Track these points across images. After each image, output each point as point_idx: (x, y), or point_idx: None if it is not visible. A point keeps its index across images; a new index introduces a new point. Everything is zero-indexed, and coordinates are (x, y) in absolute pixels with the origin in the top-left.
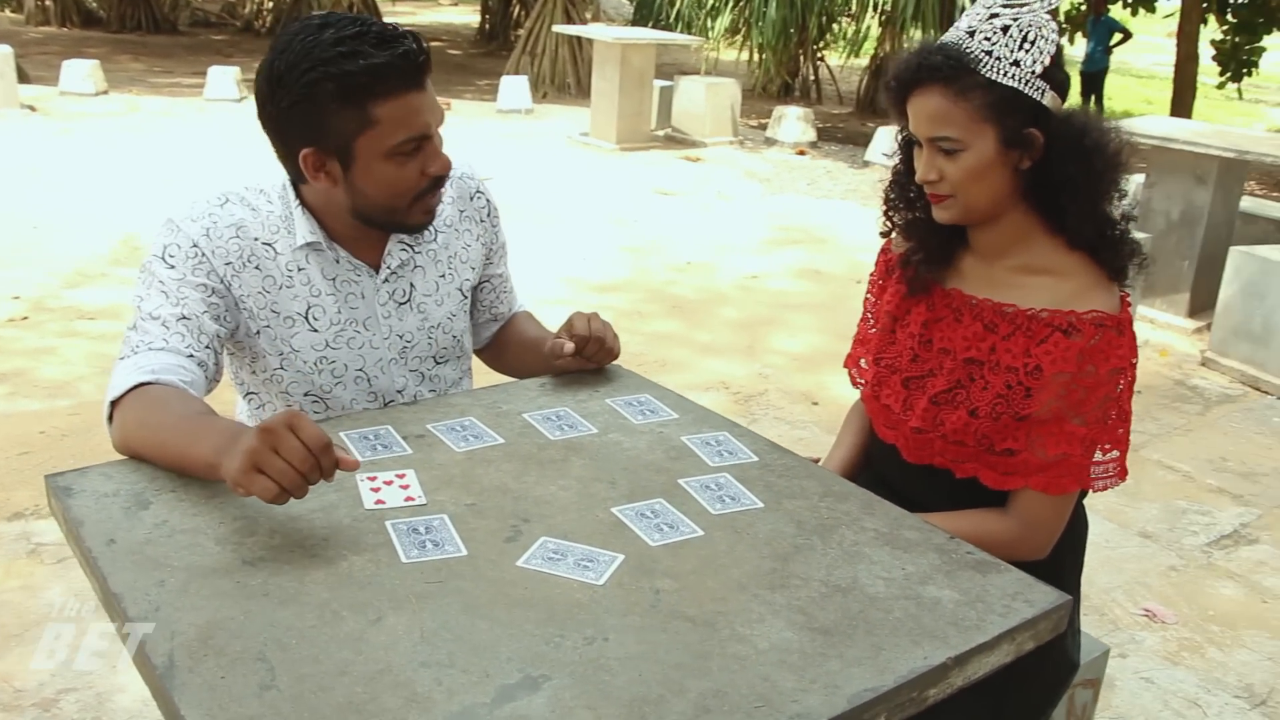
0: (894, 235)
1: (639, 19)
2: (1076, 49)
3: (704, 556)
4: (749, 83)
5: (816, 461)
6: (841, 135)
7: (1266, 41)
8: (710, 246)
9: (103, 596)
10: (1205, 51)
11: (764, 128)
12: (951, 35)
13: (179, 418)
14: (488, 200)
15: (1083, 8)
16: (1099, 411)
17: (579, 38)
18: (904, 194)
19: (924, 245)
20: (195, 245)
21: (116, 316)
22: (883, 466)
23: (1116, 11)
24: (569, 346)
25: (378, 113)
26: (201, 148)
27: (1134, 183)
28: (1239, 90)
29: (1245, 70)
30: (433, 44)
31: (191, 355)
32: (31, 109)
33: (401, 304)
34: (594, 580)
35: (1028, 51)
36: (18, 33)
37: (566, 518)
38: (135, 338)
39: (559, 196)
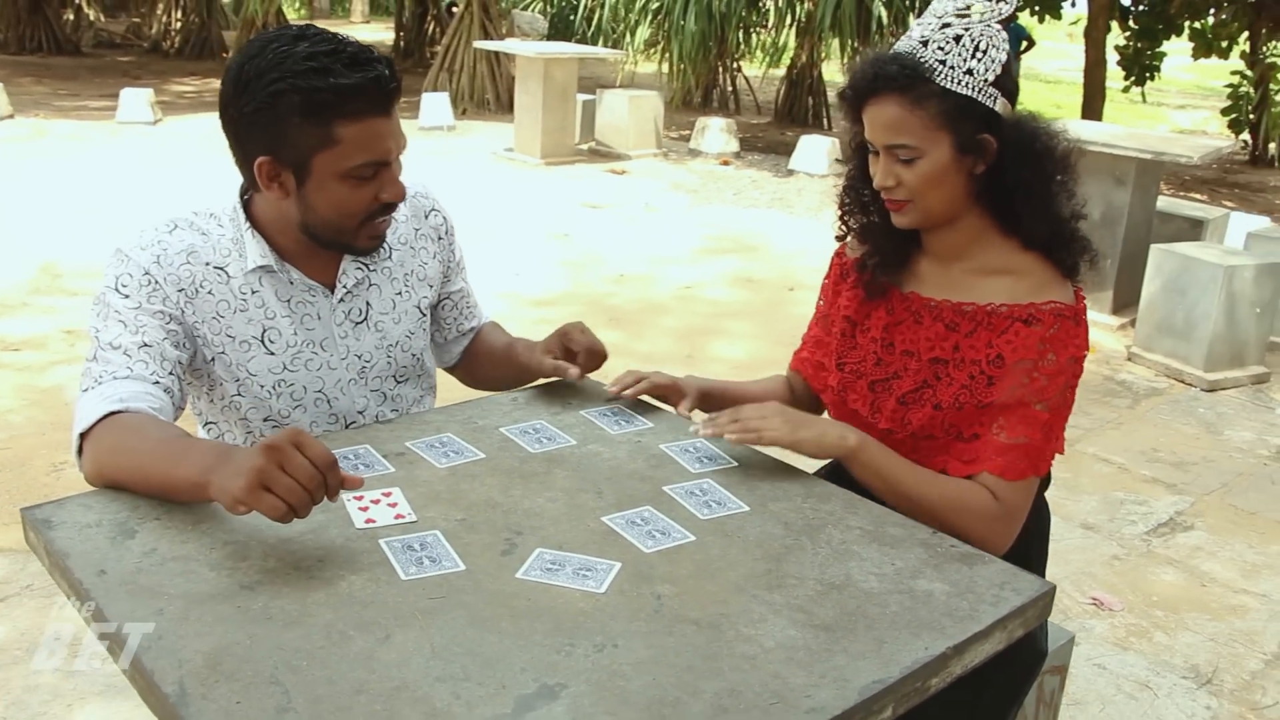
0: (849, 240)
1: (554, 34)
2: None
3: (699, 561)
4: (668, 95)
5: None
6: (762, 145)
7: (1166, 47)
8: (643, 258)
9: (99, 628)
10: (1110, 57)
11: (686, 139)
12: (905, 45)
13: (157, 441)
14: (444, 218)
15: None
16: (1059, 398)
17: (497, 54)
18: (858, 199)
19: (879, 249)
20: (147, 273)
21: (42, 347)
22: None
23: (1023, 18)
24: (574, 372)
25: (340, 133)
26: (117, 172)
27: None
28: (1143, 94)
29: (1148, 75)
30: None
31: (157, 382)
32: None
33: (358, 323)
34: (595, 589)
35: (980, 60)
36: None
37: (559, 529)
38: (97, 369)
39: (489, 212)
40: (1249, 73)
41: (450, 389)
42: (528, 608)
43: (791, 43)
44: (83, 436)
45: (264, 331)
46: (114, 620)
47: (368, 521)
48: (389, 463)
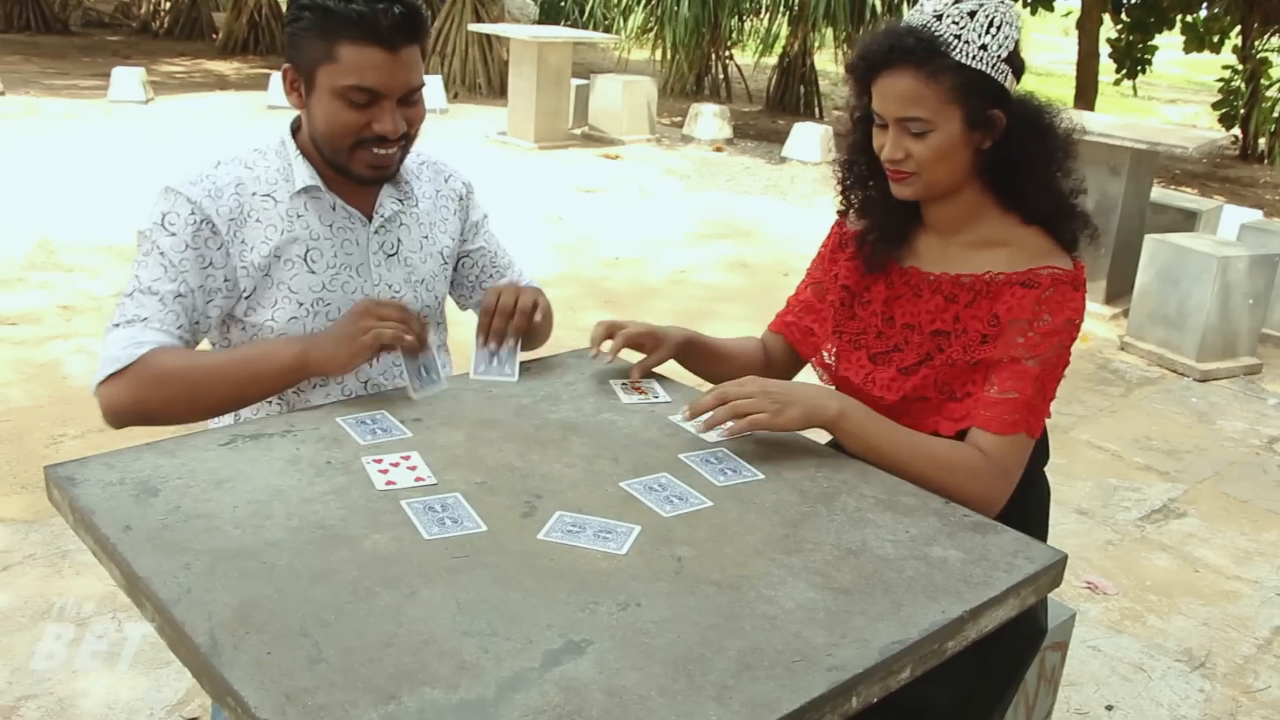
0: (847, 214)
1: (544, 19)
2: None
3: (717, 525)
4: (660, 81)
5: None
6: (755, 132)
7: (1158, 40)
8: (637, 242)
9: (126, 582)
10: (1101, 50)
11: (679, 125)
12: (918, 19)
13: (223, 356)
14: (463, 182)
15: None
16: (1052, 356)
17: (489, 38)
18: (858, 171)
19: (879, 224)
20: (197, 207)
21: (38, 322)
22: None
23: (1016, 10)
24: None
25: (340, 52)
26: (111, 150)
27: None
28: (1134, 87)
29: (1140, 68)
30: None
31: (180, 337)
32: None
33: (390, 255)
34: (616, 550)
35: (994, 36)
36: None
37: (577, 493)
38: (131, 308)
39: (483, 195)
40: (1240, 67)
41: (463, 354)
42: (550, 568)
43: (784, 31)
44: (110, 377)
45: (307, 251)
46: (142, 574)
47: (388, 484)
48: (406, 428)
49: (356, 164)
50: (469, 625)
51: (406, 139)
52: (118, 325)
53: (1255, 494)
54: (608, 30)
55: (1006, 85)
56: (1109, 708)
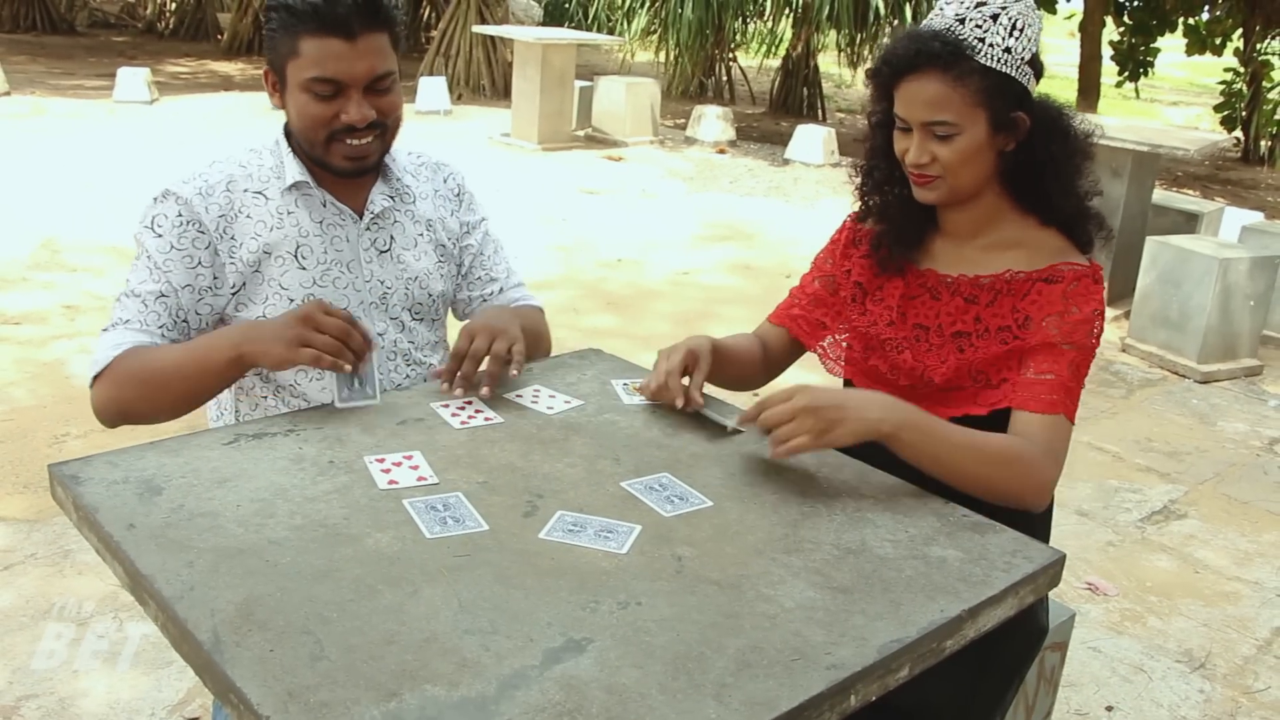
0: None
1: (549, 21)
2: None
3: (717, 525)
4: (664, 83)
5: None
6: (758, 135)
7: (1161, 43)
8: (639, 243)
9: (130, 580)
10: (1104, 52)
11: (682, 127)
12: (940, 22)
13: (178, 350)
14: (459, 182)
15: None
16: (1085, 340)
17: (494, 40)
18: (877, 176)
19: (896, 228)
20: (186, 206)
21: (42, 321)
22: None
23: None
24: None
25: (302, 46)
26: (116, 150)
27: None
28: (1136, 90)
29: (1142, 70)
30: None
31: (165, 337)
32: None
33: (382, 252)
34: (617, 549)
35: (1017, 39)
36: None
37: (578, 493)
38: (118, 311)
39: (486, 196)
40: (1242, 70)
41: None
42: (551, 566)
43: (788, 33)
44: (96, 377)
45: (298, 247)
46: (146, 572)
47: (390, 483)
48: (408, 428)
49: (333, 157)
50: (470, 623)
51: (382, 129)
52: (106, 330)
53: (1256, 495)
54: (611, 32)
55: (1029, 87)
56: (1109, 708)
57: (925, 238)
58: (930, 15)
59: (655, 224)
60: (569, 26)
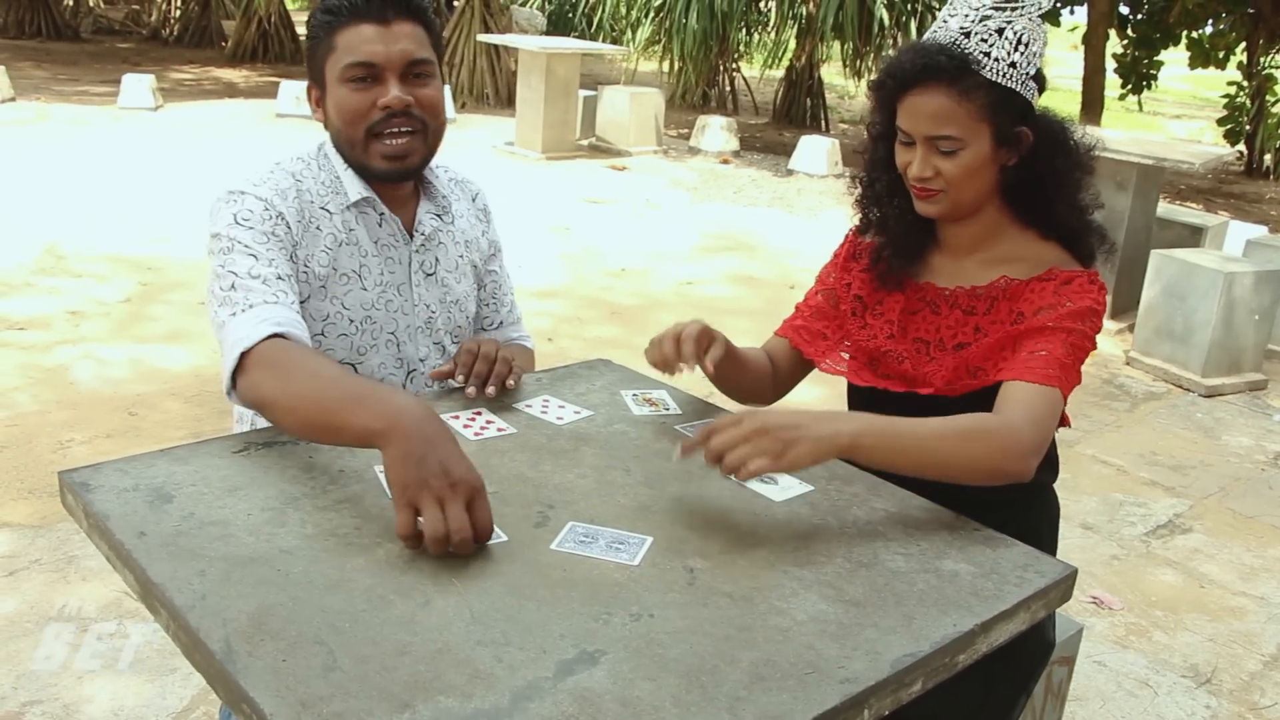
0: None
1: (552, 30)
2: None
3: (729, 538)
4: (668, 93)
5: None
6: (761, 145)
7: (1164, 56)
8: (644, 253)
9: (140, 589)
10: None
11: (685, 137)
12: (944, 36)
13: (336, 376)
14: (485, 203)
15: None
16: (1079, 326)
17: (497, 48)
18: (876, 189)
19: (895, 241)
20: (268, 205)
21: (46, 326)
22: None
23: None
24: (468, 390)
25: (337, 39)
26: (120, 156)
27: None
28: (1139, 103)
29: (1145, 83)
30: None
31: (297, 313)
32: None
33: (429, 275)
34: (628, 561)
35: (1022, 53)
36: None
37: (590, 503)
38: (239, 296)
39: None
40: (1246, 83)
41: None
42: (563, 578)
43: (792, 44)
44: (243, 355)
45: (360, 267)
46: (157, 581)
47: None
48: None
49: (373, 156)
50: (483, 634)
51: (423, 127)
52: (235, 314)
53: (1260, 510)
54: (616, 42)
55: (1033, 101)
56: None
57: (925, 252)
58: (933, 28)
59: (659, 234)
60: (573, 36)
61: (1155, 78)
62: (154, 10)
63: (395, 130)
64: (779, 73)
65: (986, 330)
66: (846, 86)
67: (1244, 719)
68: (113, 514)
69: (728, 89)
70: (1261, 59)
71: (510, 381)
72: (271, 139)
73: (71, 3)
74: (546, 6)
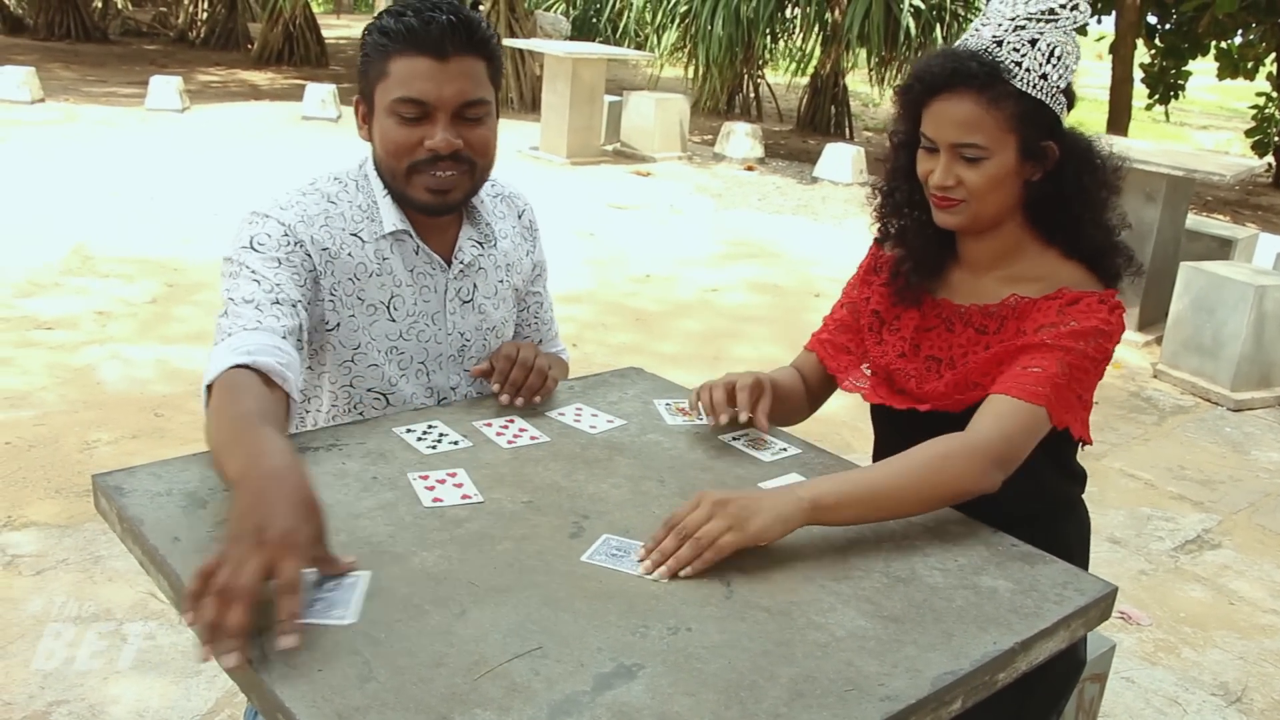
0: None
1: (576, 35)
2: None
3: (766, 551)
4: (693, 99)
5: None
6: (785, 152)
7: (1192, 66)
8: (668, 260)
9: (175, 595)
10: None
11: (710, 143)
12: (975, 43)
13: (232, 421)
14: (533, 219)
15: None
16: (1078, 347)
17: (521, 53)
18: (897, 198)
19: (915, 254)
20: (290, 230)
21: (74, 326)
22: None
23: None
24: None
25: (391, 66)
26: (147, 158)
27: None
28: (1166, 113)
29: (1173, 94)
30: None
31: (285, 336)
32: None
33: (465, 302)
34: (656, 576)
35: (1054, 66)
36: None
37: (624, 514)
38: (227, 323)
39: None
40: (1274, 94)
41: None
42: (600, 590)
43: (817, 51)
44: (209, 388)
45: (390, 298)
46: None
47: (435, 500)
48: (454, 437)
49: (414, 189)
50: (519, 646)
51: (470, 166)
52: (217, 345)
53: None
54: (640, 47)
55: (1061, 116)
56: None
57: (944, 268)
58: (965, 35)
59: (683, 240)
60: (598, 41)
61: (1183, 88)
62: (181, 13)
63: (439, 173)
64: (804, 80)
65: (997, 349)
66: (872, 94)
67: None
68: (147, 518)
69: (752, 95)
70: None
71: (538, 398)
72: (297, 141)
73: (100, 5)
74: (571, 12)
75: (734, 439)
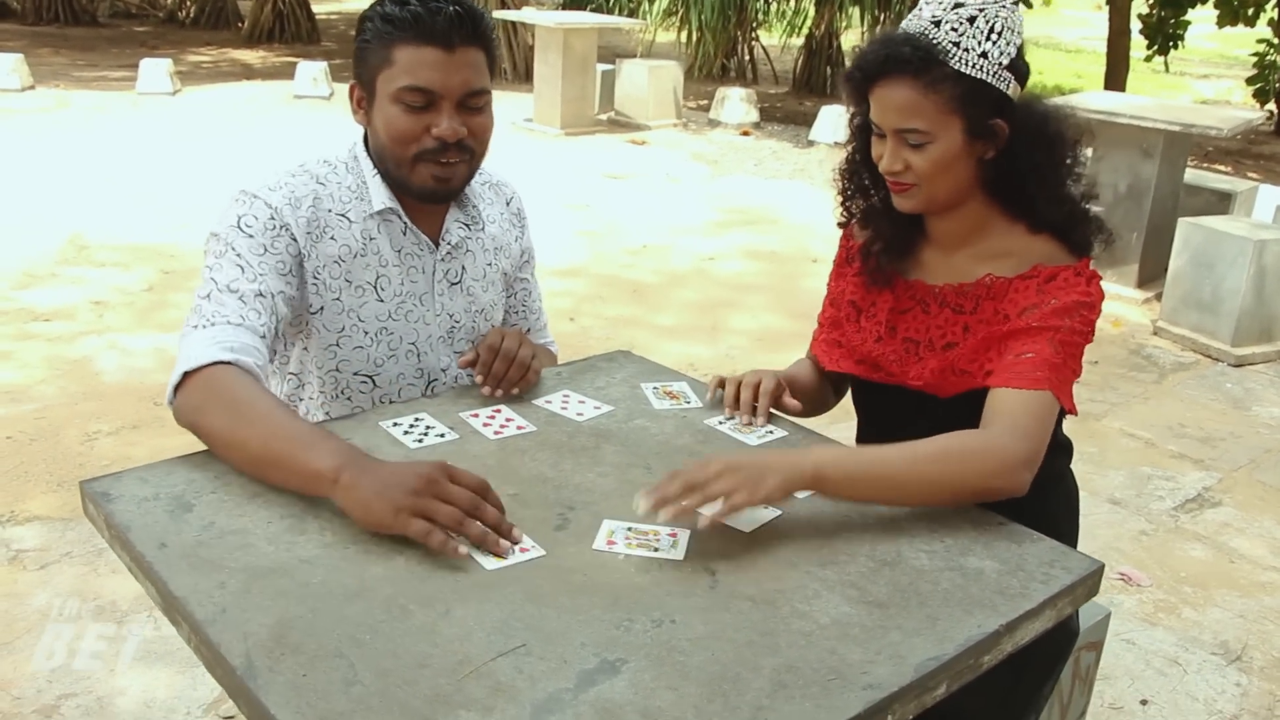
0: (853, 224)
1: (569, 4)
2: None
3: (751, 537)
4: (686, 64)
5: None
6: (781, 115)
7: (1191, 14)
8: (664, 229)
9: (162, 601)
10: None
11: (705, 109)
12: (915, 25)
13: (283, 416)
14: (520, 206)
15: None
16: (1066, 324)
17: (514, 25)
18: (860, 182)
19: (882, 235)
20: (276, 212)
21: (71, 317)
22: (872, 412)
23: None
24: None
25: (395, 54)
26: (139, 143)
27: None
28: (1165, 64)
29: (1172, 43)
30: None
31: (264, 336)
32: None
33: (453, 284)
34: (677, 556)
35: (994, 43)
36: None
37: (610, 504)
38: (209, 308)
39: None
40: (1275, 41)
41: None
42: (584, 583)
43: (811, 12)
44: (186, 374)
45: (377, 278)
46: (179, 594)
47: None
48: (440, 430)
49: (418, 177)
50: (503, 644)
51: (471, 154)
52: (196, 327)
53: None
54: (634, 14)
55: (1009, 93)
56: (1144, 702)
57: (915, 247)
58: (909, 16)
59: (680, 209)
60: (591, 9)
61: (1182, 37)
62: None
63: (445, 160)
64: (799, 41)
65: (974, 329)
66: None
67: (1276, 696)
68: (134, 525)
69: (748, 59)
70: None
71: (515, 390)
72: (289, 121)
73: None
74: None
75: (720, 422)
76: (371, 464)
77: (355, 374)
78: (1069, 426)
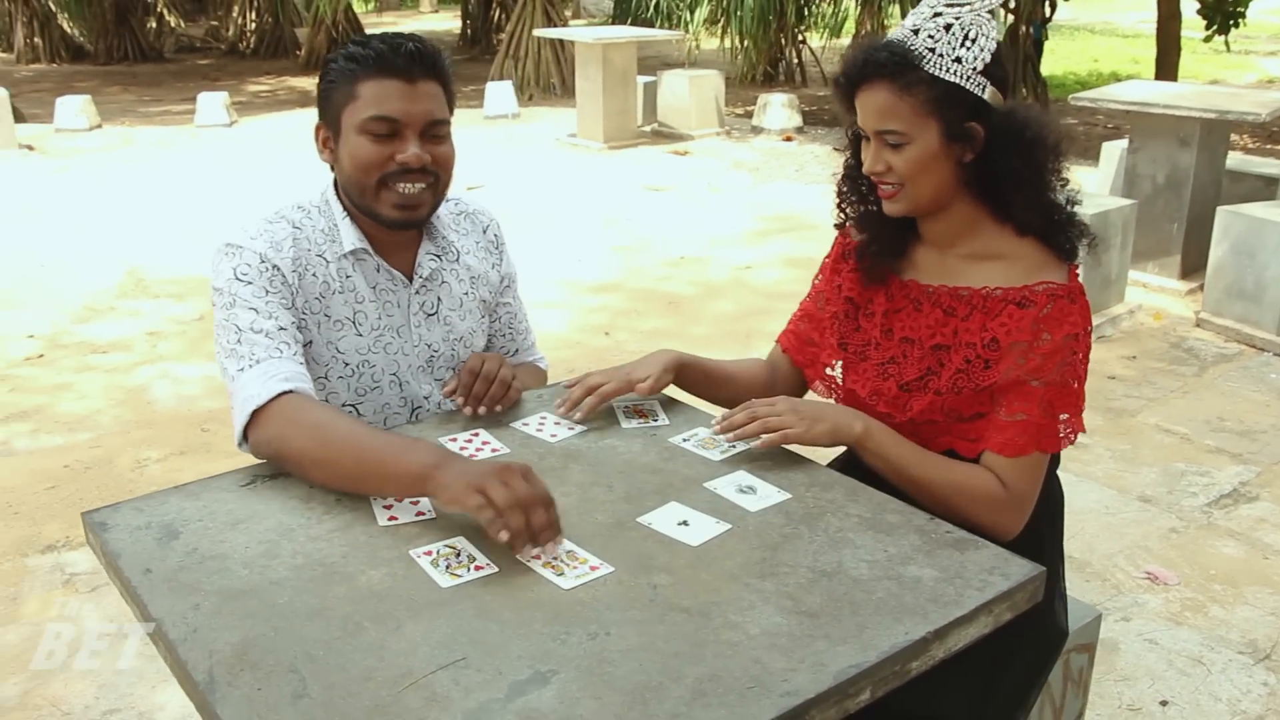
0: (849, 226)
1: (618, 15)
2: None
3: (698, 551)
4: (731, 72)
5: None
6: (828, 117)
7: None
8: (703, 240)
9: (144, 622)
10: (1190, 6)
11: (749, 116)
12: (897, 33)
13: (368, 432)
14: (498, 233)
15: None
16: (1057, 374)
17: (560, 41)
18: (855, 186)
19: (877, 237)
20: (264, 259)
21: (129, 349)
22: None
23: None
24: (465, 408)
25: (360, 89)
26: (195, 176)
27: (1118, 148)
28: (1226, 43)
29: (1232, 22)
30: None
31: (302, 363)
32: (30, 148)
33: (430, 315)
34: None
35: (969, 49)
36: (9, 72)
37: (567, 521)
38: (245, 350)
39: (550, 199)
40: None
41: None
42: (530, 599)
43: (854, 11)
44: (256, 412)
45: (354, 313)
46: (156, 616)
47: (390, 519)
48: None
49: (384, 205)
50: (445, 657)
51: (434, 180)
52: (243, 370)
53: None
54: (678, 22)
55: (985, 97)
56: (1164, 703)
57: (909, 247)
58: (895, 27)
59: (720, 219)
60: (637, 20)
61: (1243, 15)
62: (231, 25)
63: (409, 184)
64: (844, 42)
65: (963, 337)
66: None
67: None
68: (124, 552)
69: (794, 61)
70: None
71: (499, 408)
72: None
73: (154, 24)
74: None
75: (684, 440)
76: (461, 458)
77: (344, 404)
78: (1091, 426)
